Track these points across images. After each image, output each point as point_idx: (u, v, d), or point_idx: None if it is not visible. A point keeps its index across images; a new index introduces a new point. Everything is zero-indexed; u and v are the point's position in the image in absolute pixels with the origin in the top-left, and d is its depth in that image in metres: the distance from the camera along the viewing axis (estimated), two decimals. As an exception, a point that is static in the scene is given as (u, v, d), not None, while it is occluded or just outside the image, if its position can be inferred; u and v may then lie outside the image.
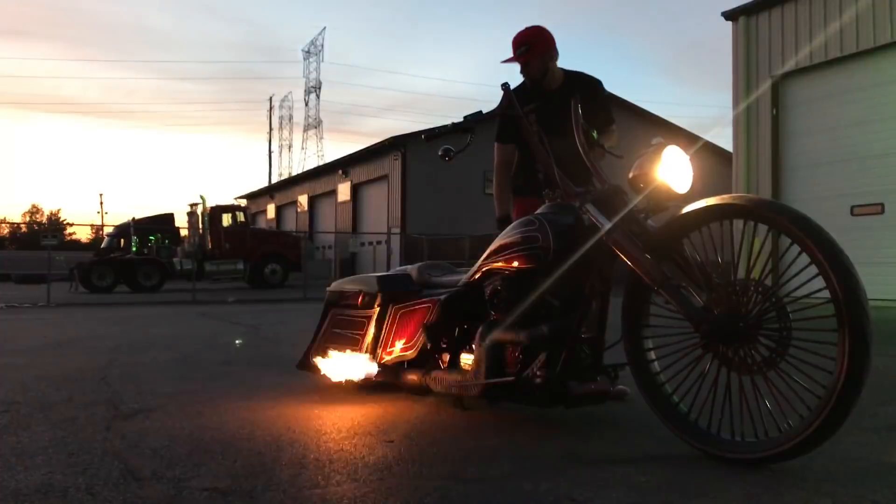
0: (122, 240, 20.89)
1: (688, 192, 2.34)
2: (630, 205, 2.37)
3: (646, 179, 2.30)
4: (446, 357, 2.92)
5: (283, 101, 55.90)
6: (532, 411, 2.76)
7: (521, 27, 3.33)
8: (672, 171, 2.29)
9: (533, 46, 3.23)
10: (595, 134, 2.90)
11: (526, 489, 1.87)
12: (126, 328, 7.27)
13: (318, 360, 3.47)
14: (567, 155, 2.72)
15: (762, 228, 2.08)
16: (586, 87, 3.31)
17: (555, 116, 3.02)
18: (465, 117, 2.83)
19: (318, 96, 52.70)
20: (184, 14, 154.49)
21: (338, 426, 2.65)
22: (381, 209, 26.35)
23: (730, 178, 13.08)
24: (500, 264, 2.69)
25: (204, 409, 2.97)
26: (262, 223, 38.63)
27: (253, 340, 5.97)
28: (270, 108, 55.44)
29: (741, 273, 2.18)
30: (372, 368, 3.20)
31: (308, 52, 53.45)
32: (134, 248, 20.34)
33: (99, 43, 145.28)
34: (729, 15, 12.93)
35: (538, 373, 2.48)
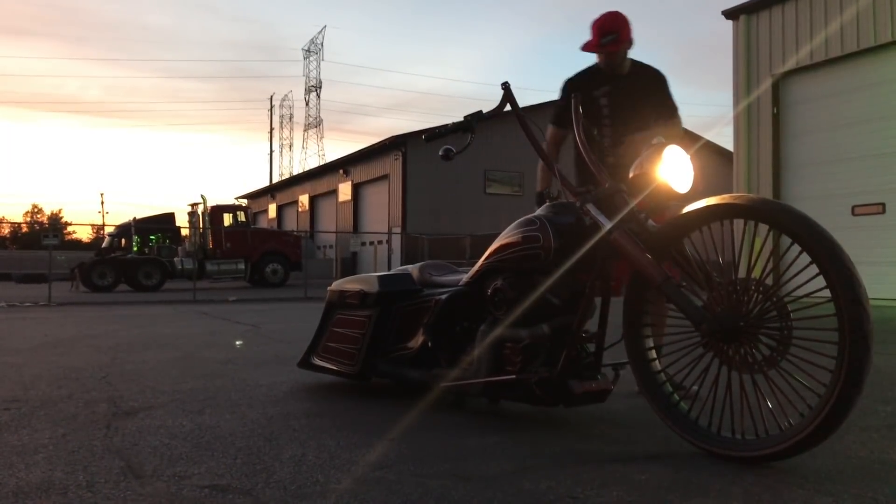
0: (123, 239, 20.91)
1: (688, 191, 2.34)
2: (631, 204, 2.37)
3: (646, 179, 2.30)
4: (447, 356, 2.93)
5: (283, 100, 56.11)
6: (532, 410, 2.76)
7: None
8: (673, 170, 2.29)
9: (621, 34, 3.17)
10: (596, 133, 2.90)
11: (526, 487, 1.87)
12: (127, 327, 7.28)
13: (319, 359, 3.47)
14: (628, 136, 2.97)
15: (763, 228, 2.08)
16: (655, 79, 3.35)
17: (627, 100, 3.24)
18: (465, 117, 2.83)
19: (318, 95, 52.77)
20: (184, 13, 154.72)
21: (338, 424, 2.65)
22: (382, 209, 26.37)
23: (730, 178, 13.08)
24: (501, 263, 2.70)
25: (204, 407, 2.98)
26: (263, 223, 38.67)
27: (253, 339, 5.97)
28: (271, 108, 55.52)
29: (742, 272, 2.19)
30: (372, 367, 3.20)
31: (308, 50, 53.54)
32: (135, 248, 20.36)
33: (99, 41, 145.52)
34: (730, 14, 12.93)
35: (539, 371, 2.48)
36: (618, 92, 3.27)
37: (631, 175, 2.37)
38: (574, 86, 3.34)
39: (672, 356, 2.33)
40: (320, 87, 52.61)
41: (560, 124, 3.43)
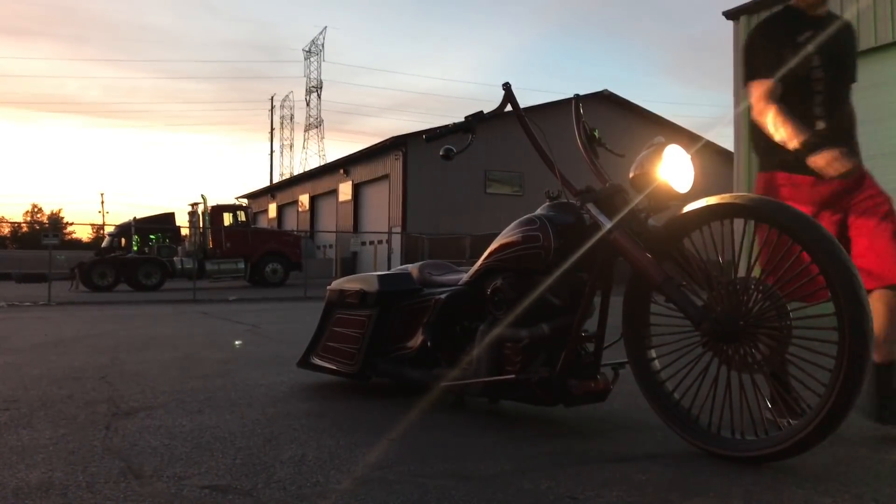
0: (123, 239, 20.91)
1: (689, 191, 2.34)
2: (631, 204, 2.37)
3: (647, 179, 2.30)
4: (447, 355, 2.93)
5: (284, 100, 56.13)
6: (532, 410, 2.76)
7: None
8: (673, 170, 2.29)
9: None
10: (596, 133, 2.90)
11: (526, 487, 1.87)
12: (127, 327, 7.28)
13: (319, 359, 3.47)
14: (845, 95, 2.61)
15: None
16: (850, 29, 2.73)
17: (837, 49, 2.62)
18: (466, 117, 2.83)
19: (319, 96, 52.82)
20: (184, 13, 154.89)
21: (338, 424, 2.65)
22: (382, 208, 26.36)
23: (730, 178, 13.08)
24: (501, 263, 2.70)
25: (204, 407, 2.98)
26: (263, 222, 38.69)
27: (253, 339, 5.97)
28: (272, 108, 55.49)
29: (741, 272, 2.19)
30: (372, 367, 3.20)
31: (309, 51, 53.59)
32: (135, 248, 20.36)
33: (100, 42, 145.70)
34: (730, 14, 12.93)
35: (539, 371, 2.48)
36: (825, 38, 2.60)
37: (631, 174, 2.36)
38: (770, 29, 2.64)
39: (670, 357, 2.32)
40: (321, 88, 52.67)
41: (764, 74, 2.60)
